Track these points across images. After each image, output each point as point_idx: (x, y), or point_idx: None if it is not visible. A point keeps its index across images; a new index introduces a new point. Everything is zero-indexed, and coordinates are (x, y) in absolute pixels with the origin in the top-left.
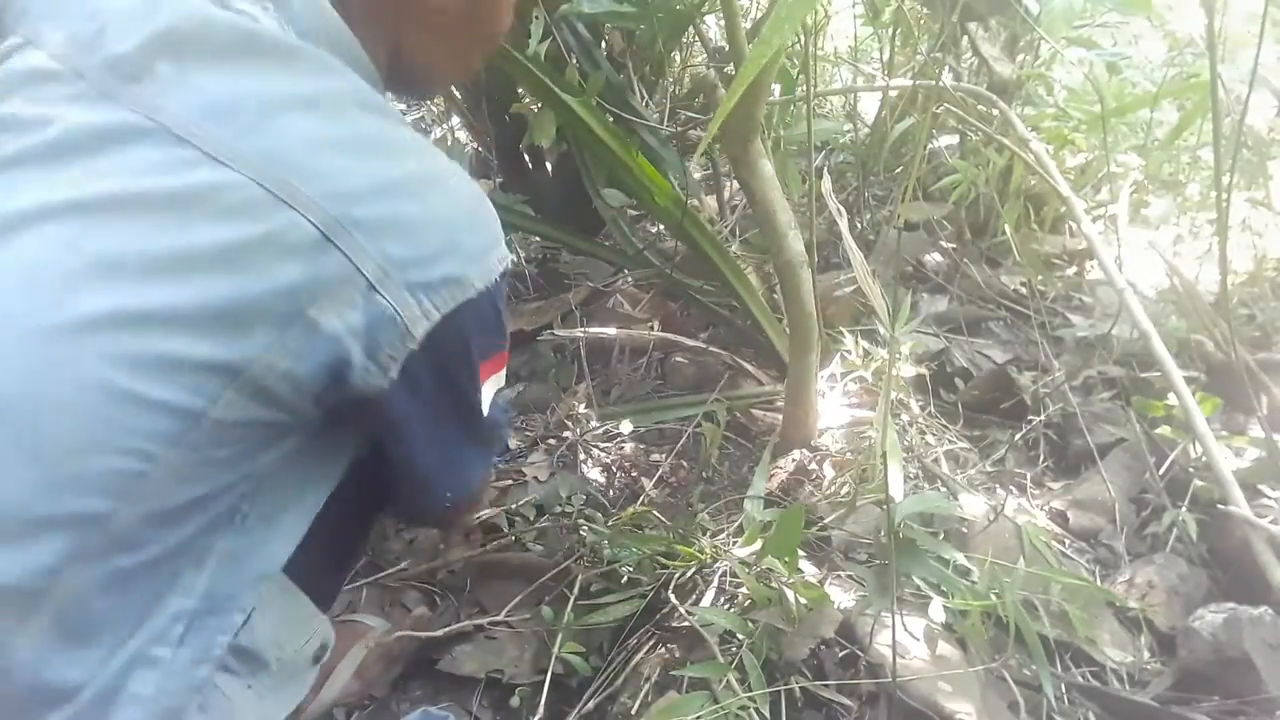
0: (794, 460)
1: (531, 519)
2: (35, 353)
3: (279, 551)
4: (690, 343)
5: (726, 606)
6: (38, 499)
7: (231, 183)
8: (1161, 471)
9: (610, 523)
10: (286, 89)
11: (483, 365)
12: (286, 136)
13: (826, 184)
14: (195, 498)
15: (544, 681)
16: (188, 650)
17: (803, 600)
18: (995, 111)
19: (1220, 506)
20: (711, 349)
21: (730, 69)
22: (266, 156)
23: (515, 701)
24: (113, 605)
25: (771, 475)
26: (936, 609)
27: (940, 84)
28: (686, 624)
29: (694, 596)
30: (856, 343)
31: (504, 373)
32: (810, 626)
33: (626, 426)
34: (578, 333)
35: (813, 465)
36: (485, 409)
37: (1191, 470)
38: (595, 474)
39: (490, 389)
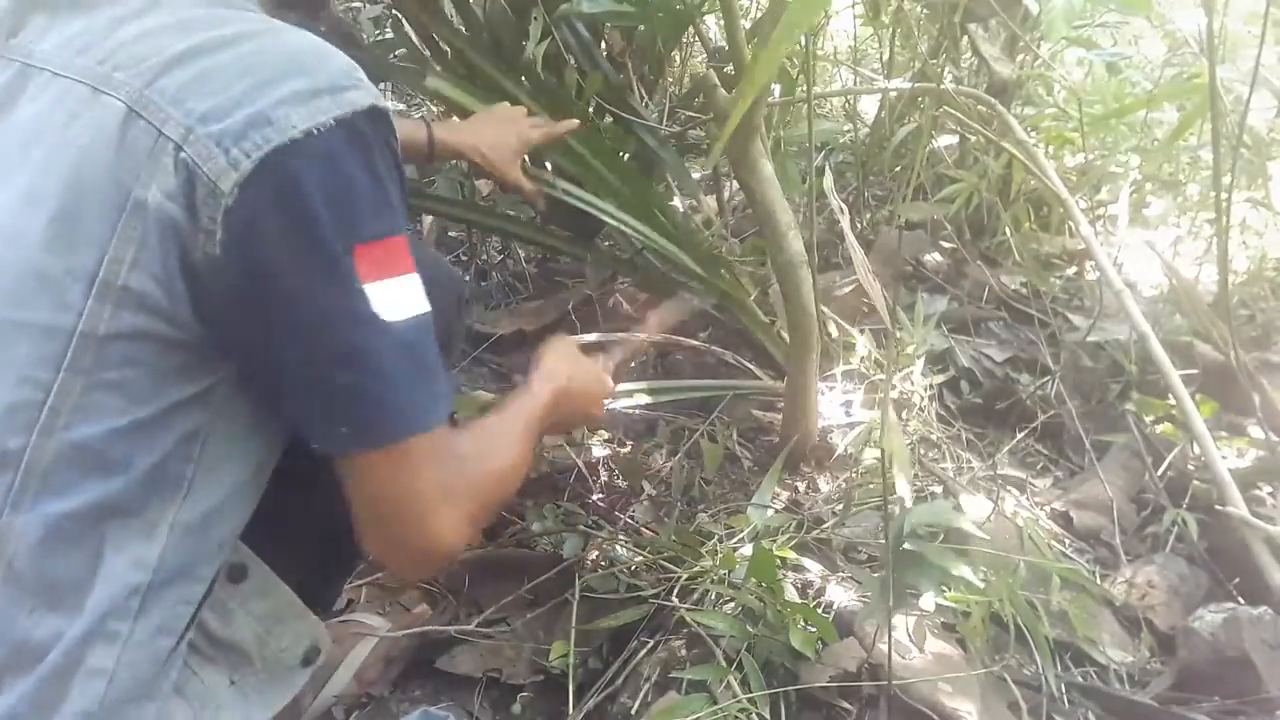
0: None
1: (531, 519)
2: None
3: (233, 517)
4: (689, 342)
5: (729, 605)
6: None
7: (70, 90)
8: (1161, 472)
9: (613, 527)
10: (135, 5)
11: (359, 249)
12: (116, 39)
13: (828, 182)
14: (113, 433)
15: (543, 681)
16: (146, 622)
17: (810, 626)
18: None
19: (1219, 507)
20: (712, 348)
21: (730, 69)
22: (99, 60)
23: (517, 709)
24: (59, 563)
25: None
26: (927, 600)
27: (940, 86)
28: (687, 625)
29: (695, 596)
30: (872, 345)
31: (410, 278)
32: (833, 657)
33: (640, 399)
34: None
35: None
36: (384, 313)
37: (1192, 468)
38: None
39: (388, 291)
